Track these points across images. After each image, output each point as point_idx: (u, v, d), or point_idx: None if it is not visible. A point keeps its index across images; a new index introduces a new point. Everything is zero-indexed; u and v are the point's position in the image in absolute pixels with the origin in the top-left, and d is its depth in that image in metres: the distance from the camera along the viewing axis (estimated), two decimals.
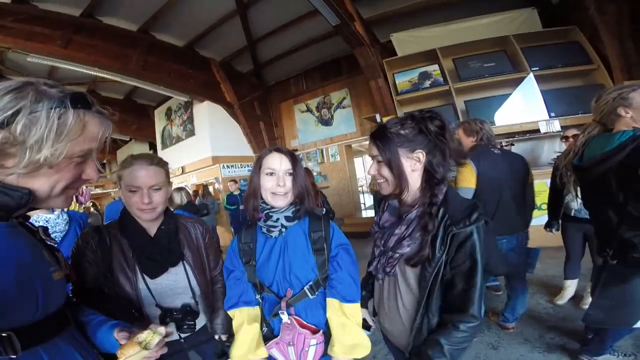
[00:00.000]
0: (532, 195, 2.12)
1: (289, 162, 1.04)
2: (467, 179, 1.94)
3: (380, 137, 0.95)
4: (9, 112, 0.52)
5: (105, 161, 10.86)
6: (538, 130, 4.05)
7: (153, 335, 0.74)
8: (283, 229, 1.05)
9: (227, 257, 1.12)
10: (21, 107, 0.53)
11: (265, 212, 1.04)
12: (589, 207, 1.54)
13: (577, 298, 2.49)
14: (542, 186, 3.55)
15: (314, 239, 1.06)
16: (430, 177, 0.94)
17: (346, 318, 1.01)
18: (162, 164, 1.15)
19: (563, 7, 4.30)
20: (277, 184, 1.02)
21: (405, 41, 4.90)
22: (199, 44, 5.72)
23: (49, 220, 1.97)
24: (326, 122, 6.83)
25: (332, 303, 1.02)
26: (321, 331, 1.02)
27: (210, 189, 7.28)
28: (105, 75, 5.25)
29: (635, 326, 1.37)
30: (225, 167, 6.91)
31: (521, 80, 4.27)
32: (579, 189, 1.58)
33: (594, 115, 1.45)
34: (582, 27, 4.09)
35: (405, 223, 0.95)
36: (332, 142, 6.79)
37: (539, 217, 3.50)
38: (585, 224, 2.18)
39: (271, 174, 1.03)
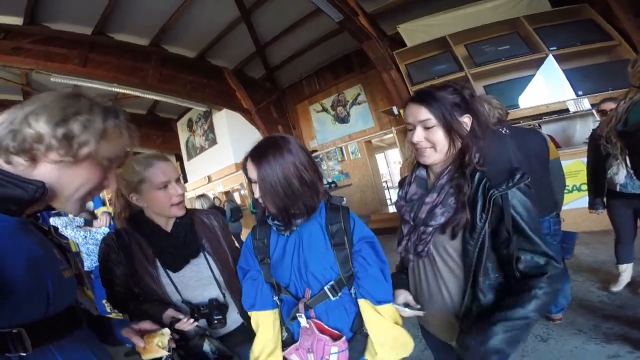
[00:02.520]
0: (560, 172, 1.91)
1: (253, 169, 0.88)
2: None
3: (431, 100, 0.87)
4: (71, 110, 0.61)
5: None
6: (567, 110, 3.85)
7: (162, 337, 0.88)
8: (294, 227, 0.93)
9: (241, 256, 1.04)
10: (80, 109, 0.62)
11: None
12: None
13: (634, 284, 2.25)
14: (579, 165, 3.32)
15: (332, 232, 0.93)
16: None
17: (382, 317, 0.91)
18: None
19: None
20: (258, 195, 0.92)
21: (413, 31, 4.80)
22: (210, 54, 5.85)
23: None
24: (343, 120, 6.74)
25: (363, 304, 0.92)
26: (344, 338, 0.91)
27: (236, 195, 7.45)
28: (124, 91, 5.50)
29: None
30: None
31: (540, 60, 4.13)
32: (627, 158, 1.54)
33: (633, 80, 1.42)
34: (592, 4, 3.96)
35: (436, 190, 0.89)
36: (351, 140, 6.69)
37: (580, 199, 3.23)
38: (635, 199, 1.99)
39: (250, 181, 0.93)
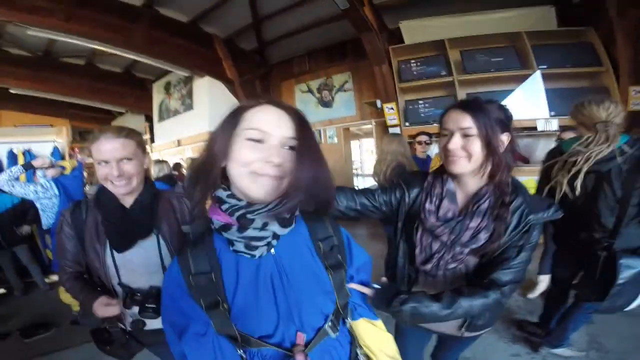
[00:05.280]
0: None
1: (292, 126, 0.60)
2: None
3: (478, 110, 0.88)
4: None
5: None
6: (535, 128, 4.16)
7: None
8: (273, 241, 0.65)
9: (165, 303, 0.67)
10: None
11: (239, 212, 0.59)
12: None
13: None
14: (531, 183, 3.76)
15: (325, 251, 0.71)
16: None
17: (383, 332, 0.81)
18: (132, 135, 1.07)
19: (581, 8, 4.28)
20: (265, 159, 0.58)
21: (414, 29, 4.85)
22: (204, 20, 5.58)
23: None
24: (326, 104, 6.86)
25: (362, 324, 0.78)
26: None
27: None
28: (104, 49, 5.14)
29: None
30: None
31: (527, 77, 4.33)
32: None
33: (586, 122, 1.57)
34: (597, 29, 4.08)
35: (478, 215, 0.90)
36: (331, 124, 6.85)
37: None
38: None
39: (258, 140, 0.59)
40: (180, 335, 0.63)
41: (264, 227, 0.61)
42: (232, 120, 0.62)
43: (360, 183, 9.31)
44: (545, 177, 1.65)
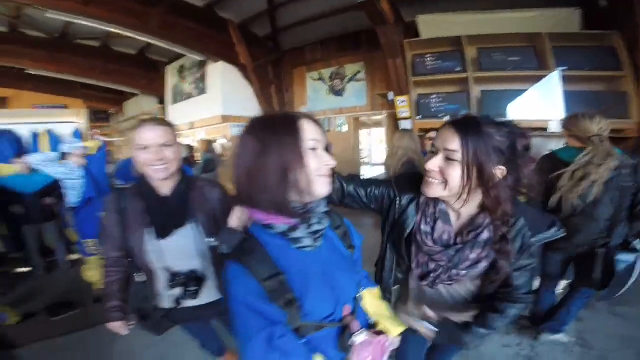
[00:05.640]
0: None
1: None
2: None
3: (471, 132, 0.77)
4: None
5: (111, 112, 10.89)
6: (545, 129, 4.14)
7: None
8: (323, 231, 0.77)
9: (240, 311, 0.67)
10: None
11: (303, 211, 0.71)
12: None
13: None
14: None
15: (341, 236, 0.85)
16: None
17: (378, 297, 0.95)
18: (171, 125, 1.17)
19: (608, 11, 4.14)
20: (325, 163, 0.71)
21: (431, 24, 4.80)
22: (219, 5, 5.57)
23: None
24: (337, 93, 6.87)
25: (366, 295, 0.90)
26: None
27: (216, 145, 7.44)
28: (121, 32, 5.19)
29: None
30: (235, 126, 7.04)
31: (542, 78, 4.29)
32: None
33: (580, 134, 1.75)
34: (622, 34, 3.98)
35: (478, 246, 0.85)
36: (342, 113, 6.90)
37: None
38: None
39: (315, 148, 0.70)
40: (269, 341, 0.64)
41: (320, 220, 0.74)
42: (293, 132, 0.68)
43: (368, 172, 9.36)
44: (552, 187, 1.74)
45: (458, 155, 0.77)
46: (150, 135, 1.10)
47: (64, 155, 2.84)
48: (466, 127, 0.78)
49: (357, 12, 4.95)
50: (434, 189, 0.84)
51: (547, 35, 4.22)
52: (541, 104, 4.26)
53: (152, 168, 1.11)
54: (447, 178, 0.80)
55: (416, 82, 5.04)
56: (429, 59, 4.94)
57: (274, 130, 0.68)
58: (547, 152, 1.93)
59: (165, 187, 1.17)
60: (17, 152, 3.48)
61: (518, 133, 0.80)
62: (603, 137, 1.63)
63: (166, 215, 1.15)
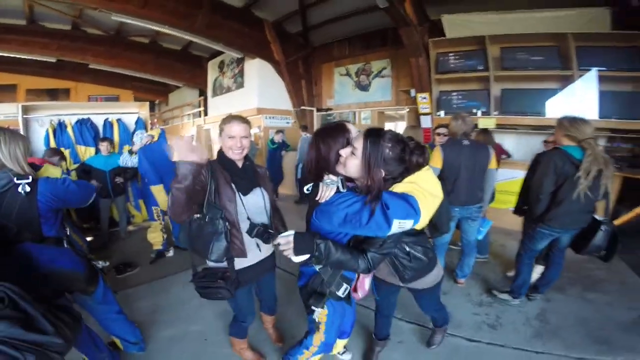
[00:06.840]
0: (491, 179, 2.55)
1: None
2: (435, 161, 2.46)
3: (374, 142, 1.12)
4: None
5: (157, 102, 11.92)
6: None
7: None
8: None
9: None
10: None
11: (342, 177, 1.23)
12: None
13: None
14: (514, 186, 3.75)
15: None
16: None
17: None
18: (248, 122, 1.55)
19: (639, 12, 4.00)
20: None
21: (456, 24, 4.89)
22: (256, 5, 6.10)
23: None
24: (363, 88, 7.19)
25: None
26: None
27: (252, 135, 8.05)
28: (170, 32, 5.86)
29: None
30: (268, 117, 7.62)
31: (565, 77, 4.33)
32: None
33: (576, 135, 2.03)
34: None
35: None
36: (367, 107, 7.21)
37: None
38: None
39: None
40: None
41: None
42: (343, 134, 1.25)
43: None
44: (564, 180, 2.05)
45: (358, 153, 1.14)
46: (238, 128, 1.48)
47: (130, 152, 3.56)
48: (373, 136, 1.13)
49: (382, 11, 5.12)
50: (338, 167, 1.22)
51: (571, 35, 4.21)
52: (575, 103, 4.25)
53: (234, 151, 1.49)
54: (348, 168, 1.17)
55: (438, 79, 5.25)
56: (452, 57, 5.09)
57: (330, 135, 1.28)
58: (556, 148, 2.09)
59: (239, 163, 1.55)
60: (95, 137, 4.29)
61: (414, 152, 1.17)
62: (596, 140, 1.90)
63: (246, 180, 1.53)
